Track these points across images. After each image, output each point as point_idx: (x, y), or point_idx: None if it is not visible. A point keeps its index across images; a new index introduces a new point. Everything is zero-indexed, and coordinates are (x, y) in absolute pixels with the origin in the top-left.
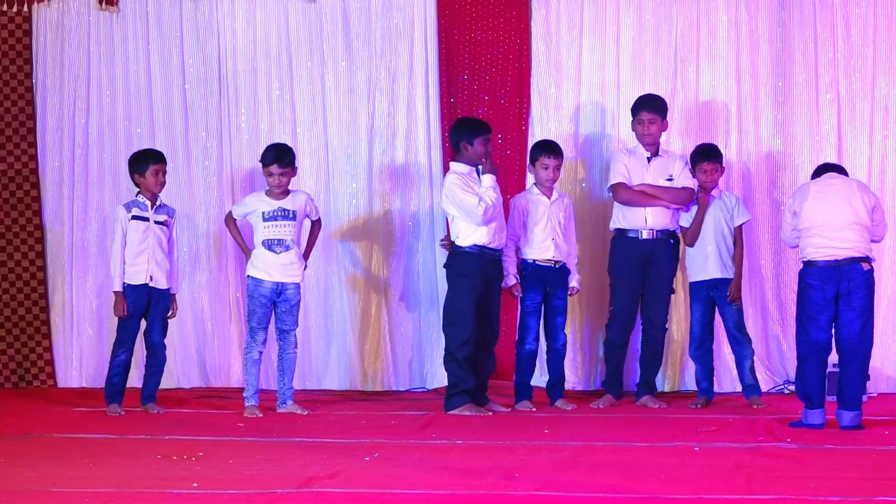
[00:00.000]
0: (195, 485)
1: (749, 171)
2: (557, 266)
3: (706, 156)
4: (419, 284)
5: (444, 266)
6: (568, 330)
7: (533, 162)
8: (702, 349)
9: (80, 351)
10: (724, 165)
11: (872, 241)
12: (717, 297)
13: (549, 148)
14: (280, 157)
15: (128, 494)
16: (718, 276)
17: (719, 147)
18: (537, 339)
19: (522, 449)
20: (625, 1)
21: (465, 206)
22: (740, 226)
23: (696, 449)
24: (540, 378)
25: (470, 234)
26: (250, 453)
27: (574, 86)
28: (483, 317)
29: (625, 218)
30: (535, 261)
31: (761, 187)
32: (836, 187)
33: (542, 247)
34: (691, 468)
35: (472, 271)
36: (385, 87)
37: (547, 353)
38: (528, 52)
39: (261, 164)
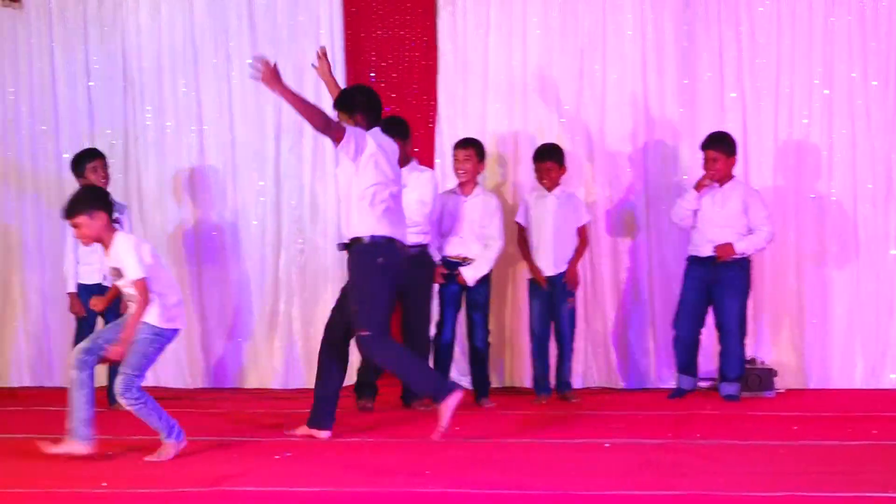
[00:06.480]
0: (104, 484)
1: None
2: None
3: (543, 156)
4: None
5: None
6: None
7: None
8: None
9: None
10: (564, 165)
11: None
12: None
13: (460, 142)
14: None
15: (34, 494)
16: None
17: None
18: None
19: (435, 446)
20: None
21: None
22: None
23: (607, 445)
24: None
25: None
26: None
27: (481, 84)
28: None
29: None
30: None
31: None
32: None
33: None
34: (604, 464)
35: None
36: (291, 83)
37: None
38: (434, 50)
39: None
